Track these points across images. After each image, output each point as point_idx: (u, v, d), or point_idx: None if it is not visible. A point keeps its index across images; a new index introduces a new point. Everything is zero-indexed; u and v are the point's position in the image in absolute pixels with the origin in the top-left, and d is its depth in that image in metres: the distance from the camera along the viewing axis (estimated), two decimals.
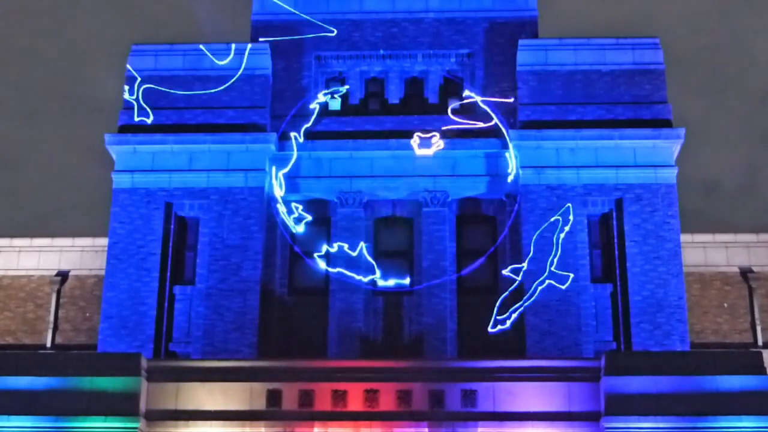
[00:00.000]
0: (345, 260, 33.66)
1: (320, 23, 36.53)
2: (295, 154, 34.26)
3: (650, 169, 33.58)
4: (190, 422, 28.37)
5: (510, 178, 33.72)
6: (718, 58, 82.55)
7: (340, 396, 28.37)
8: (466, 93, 35.24)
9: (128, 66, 35.53)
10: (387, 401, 28.32)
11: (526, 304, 32.15)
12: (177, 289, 33.50)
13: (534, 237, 32.95)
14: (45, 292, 37.66)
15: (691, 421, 27.10)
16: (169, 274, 33.48)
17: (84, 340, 36.50)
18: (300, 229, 33.80)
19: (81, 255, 38.01)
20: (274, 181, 34.10)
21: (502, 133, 34.43)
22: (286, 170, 34.20)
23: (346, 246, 33.54)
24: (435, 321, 33.14)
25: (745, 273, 36.88)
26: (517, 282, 32.46)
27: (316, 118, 35.24)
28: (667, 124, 34.17)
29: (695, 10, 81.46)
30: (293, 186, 34.47)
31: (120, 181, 34.35)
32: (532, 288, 32.22)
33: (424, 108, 35.82)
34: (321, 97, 35.34)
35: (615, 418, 27.31)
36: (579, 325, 32.17)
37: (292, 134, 34.50)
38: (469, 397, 28.25)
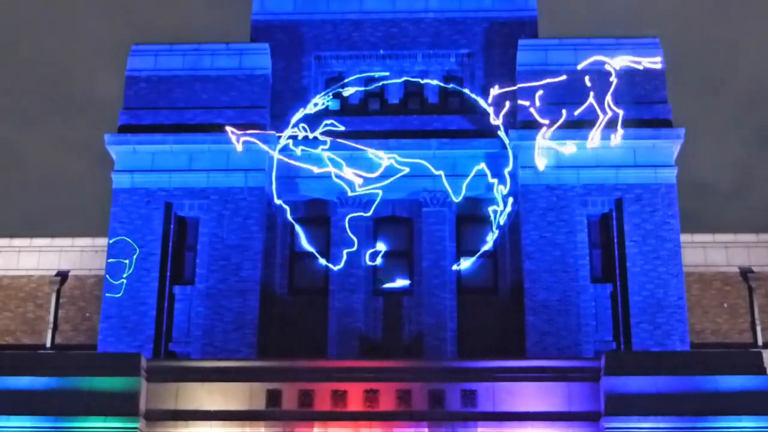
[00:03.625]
0: (346, 261, 33.71)
1: (320, 23, 36.54)
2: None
3: (650, 169, 33.54)
4: (190, 422, 28.34)
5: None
6: (710, 58, 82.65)
7: (339, 396, 28.34)
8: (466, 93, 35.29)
9: (128, 66, 35.57)
10: (387, 401, 28.29)
11: None
12: (177, 289, 33.48)
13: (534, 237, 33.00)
14: (45, 292, 37.63)
15: (691, 421, 27.07)
16: (168, 274, 33.46)
17: (84, 340, 36.47)
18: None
19: (81, 255, 37.96)
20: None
21: (502, 133, 34.41)
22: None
23: None
24: (435, 321, 33.12)
25: (745, 273, 36.84)
26: None
27: (316, 119, 35.23)
28: (667, 123, 34.14)
29: (688, 11, 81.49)
30: (292, 186, 34.48)
31: (120, 181, 34.33)
32: None
33: (424, 108, 35.81)
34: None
35: (615, 418, 27.29)
36: (579, 325, 32.15)
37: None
38: (469, 397, 28.22)
